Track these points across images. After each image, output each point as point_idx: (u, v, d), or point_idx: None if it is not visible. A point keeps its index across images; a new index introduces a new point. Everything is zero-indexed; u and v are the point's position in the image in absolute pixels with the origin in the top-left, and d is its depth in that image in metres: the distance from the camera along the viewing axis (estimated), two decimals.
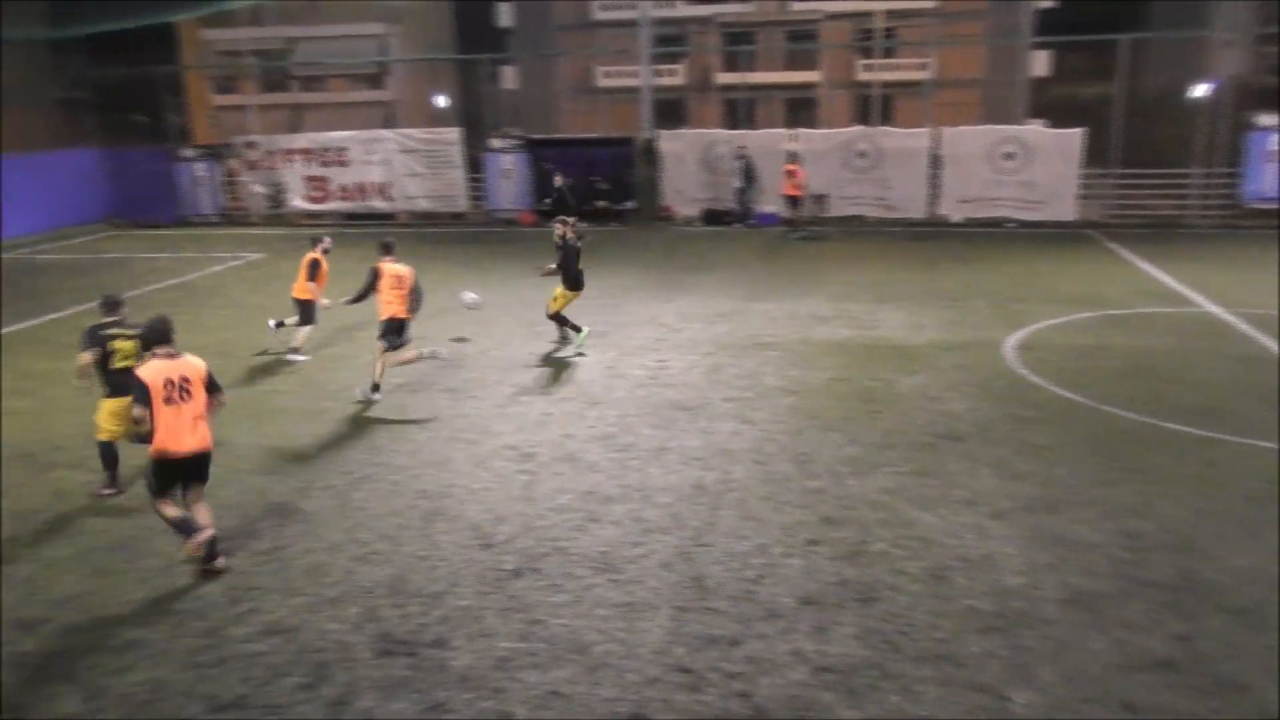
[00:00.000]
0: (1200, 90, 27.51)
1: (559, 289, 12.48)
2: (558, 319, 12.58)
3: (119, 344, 8.02)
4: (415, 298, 10.58)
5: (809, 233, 22.52)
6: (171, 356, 6.76)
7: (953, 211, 23.77)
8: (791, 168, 22.94)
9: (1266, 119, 22.03)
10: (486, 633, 5.87)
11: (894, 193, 23.83)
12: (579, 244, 12.38)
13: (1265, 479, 7.95)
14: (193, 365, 6.83)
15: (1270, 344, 12.21)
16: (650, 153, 24.73)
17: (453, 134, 25.94)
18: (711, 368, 11.61)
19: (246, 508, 7.83)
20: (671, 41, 43.21)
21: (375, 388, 10.44)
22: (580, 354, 12.34)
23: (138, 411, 6.65)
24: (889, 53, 44.45)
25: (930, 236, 22.21)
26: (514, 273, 17.81)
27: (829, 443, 9.00)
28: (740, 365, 11.68)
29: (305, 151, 26.45)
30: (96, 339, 8.00)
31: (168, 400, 6.62)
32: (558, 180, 24.65)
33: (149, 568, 6.85)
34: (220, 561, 6.81)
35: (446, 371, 11.53)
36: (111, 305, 8.35)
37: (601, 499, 7.81)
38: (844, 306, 14.77)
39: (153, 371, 6.66)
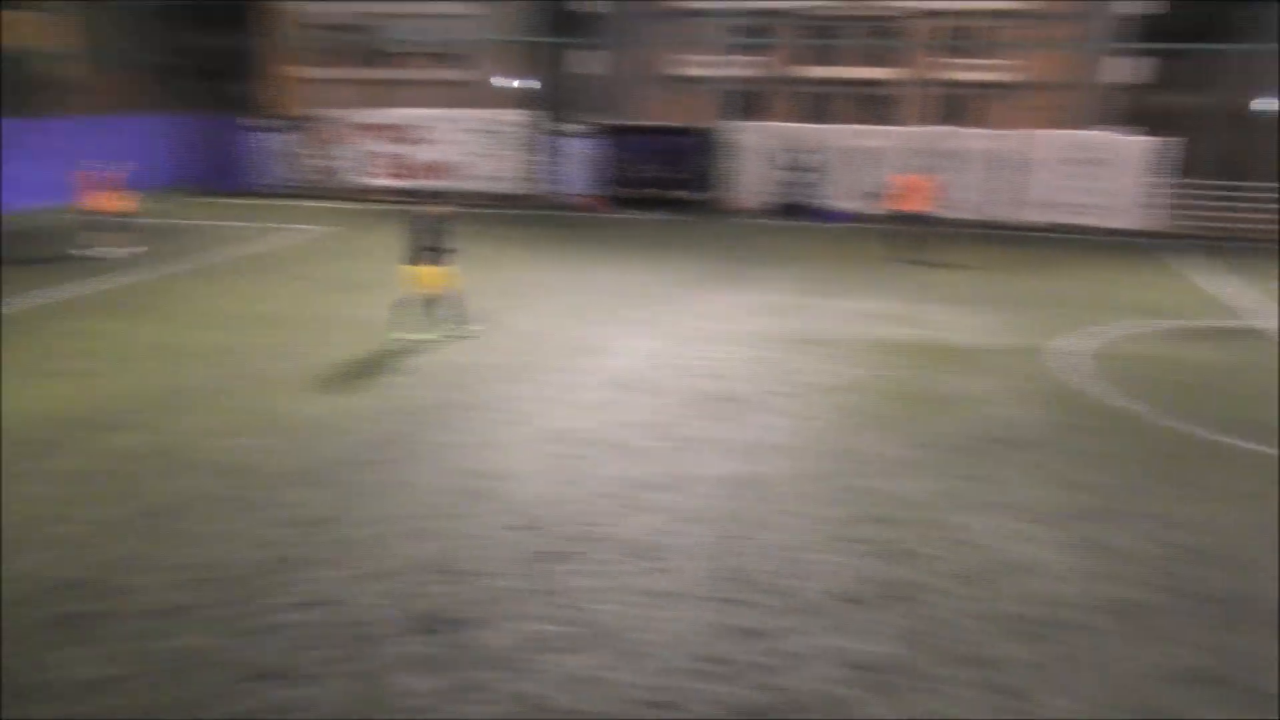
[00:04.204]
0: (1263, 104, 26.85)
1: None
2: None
3: None
4: None
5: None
6: None
7: (1028, 215, 23.52)
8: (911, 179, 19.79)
9: None
10: (523, 615, 5.90)
11: (974, 195, 23.56)
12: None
13: None
14: None
15: None
16: (725, 144, 24.73)
17: (521, 116, 26.19)
18: (762, 361, 11.59)
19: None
20: (755, 33, 42.80)
21: None
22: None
23: None
24: (967, 52, 43.39)
25: (1005, 241, 22.06)
26: (573, 254, 17.94)
27: (877, 442, 8.95)
28: (793, 361, 11.64)
29: (376, 128, 26.81)
30: None
31: None
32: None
33: None
34: None
35: (494, 354, 11.68)
36: None
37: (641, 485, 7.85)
38: (912, 307, 14.69)
39: None
